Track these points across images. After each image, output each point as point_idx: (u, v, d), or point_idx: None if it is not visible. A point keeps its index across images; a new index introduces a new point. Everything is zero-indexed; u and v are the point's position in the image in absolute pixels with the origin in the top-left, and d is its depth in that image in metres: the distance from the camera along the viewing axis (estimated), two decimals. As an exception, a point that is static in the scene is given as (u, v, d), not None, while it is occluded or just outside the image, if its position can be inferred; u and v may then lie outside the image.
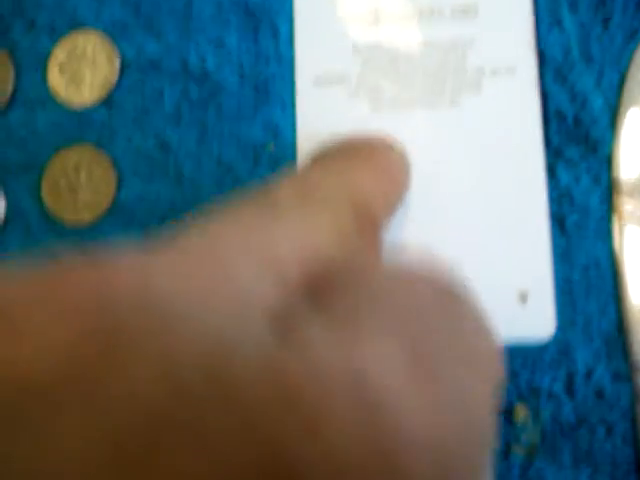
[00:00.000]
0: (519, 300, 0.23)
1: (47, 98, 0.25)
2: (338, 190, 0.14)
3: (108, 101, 0.25)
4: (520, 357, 0.23)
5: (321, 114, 0.25)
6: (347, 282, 0.10)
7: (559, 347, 0.23)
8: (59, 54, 0.25)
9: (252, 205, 0.12)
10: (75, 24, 0.25)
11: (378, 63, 0.25)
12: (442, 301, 0.10)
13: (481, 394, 0.09)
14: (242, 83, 0.25)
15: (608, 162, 0.24)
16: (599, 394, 0.23)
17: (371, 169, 0.17)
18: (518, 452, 0.23)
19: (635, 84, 0.25)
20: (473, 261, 0.24)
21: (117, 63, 0.25)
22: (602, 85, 0.25)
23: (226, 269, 0.09)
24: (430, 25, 0.25)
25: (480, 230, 0.24)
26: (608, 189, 0.24)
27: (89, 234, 0.24)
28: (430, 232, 0.24)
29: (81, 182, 0.24)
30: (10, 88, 0.25)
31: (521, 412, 0.23)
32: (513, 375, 0.23)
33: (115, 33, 0.25)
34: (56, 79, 0.25)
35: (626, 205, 0.24)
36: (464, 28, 0.25)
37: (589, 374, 0.23)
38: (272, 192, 0.13)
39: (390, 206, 0.18)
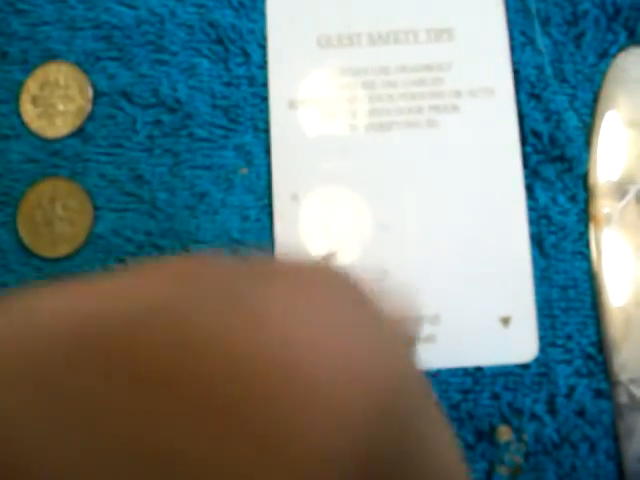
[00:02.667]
0: (501, 324, 0.23)
1: (20, 130, 0.25)
2: None
3: (81, 132, 0.25)
4: (502, 379, 0.23)
5: (296, 136, 0.25)
6: None
7: (540, 368, 0.23)
8: (31, 86, 0.25)
9: None
10: (47, 56, 0.25)
11: (354, 85, 0.25)
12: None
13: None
14: (214, 110, 0.25)
15: (584, 181, 0.24)
16: (581, 412, 0.23)
17: None
18: (502, 473, 0.23)
19: (608, 102, 0.25)
20: (455, 287, 0.24)
21: (90, 94, 0.25)
22: (576, 104, 0.25)
23: None
24: (406, 48, 0.25)
25: (461, 254, 0.24)
26: (584, 208, 0.24)
27: (66, 266, 0.24)
28: (410, 257, 0.24)
29: (57, 214, 0.24)
30: (-18, 121, 0.25)
31: (504, 433, 0.23)
32: (495, 397, 0.23)
33: (87, 64, 0.25)
34: (29, 111, 0.25)
35: (610, 250, 0.24)
36: (440, 50, 0.25)
37: (570, 393, 0.23)
38: None
39: None
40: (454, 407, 0.23)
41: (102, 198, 0.24)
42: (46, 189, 0.24)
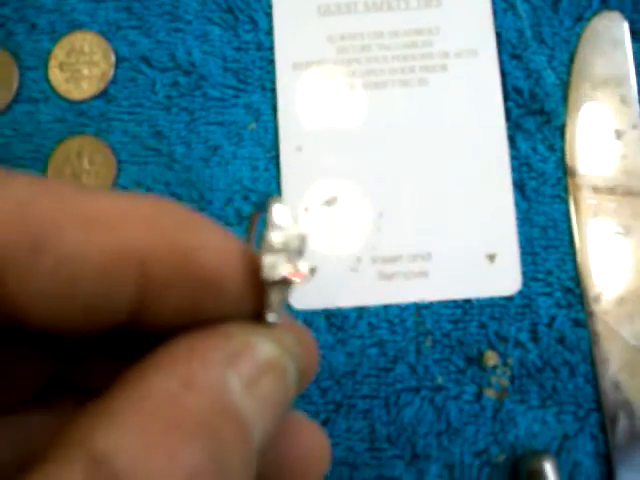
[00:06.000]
0: (488, 261, 0.26)
1: (49, 94, 0.27)
2: None
3: (105, 94, 0.27)
4: (489, 310, 0.26)
5: (300, 95, 0.27)
6: None
7: (523, 300, 0.26)
8: (59, 53, 0.28)
9: None
10: (73, 26, 0.28)
11: (352, 49, 0.27)
12: None
13: None
14: (225, 72, 0.27)
15: (561, 131, 0.27)
16: (561, 340, 0.26)
17: None
18: (489, 395, 0.25)
19: (583, 62, 0.27)
20: (445, 227, 0.26)
21: (112, 59, 0.27)
22: (553, 63, 0.27)
23: None
24: (398, 14, 0.28)
25: (451, 198, 0.26)
26: (562, 156, 0.27)
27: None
28: (404, 201, 0.26)
29: (84, 168, 0.27)
30: (15, 86, 0.27)
31: (491, 358, 0.26)
32: (483, 326, 0.26)
33: (110, 32, 0.28)
34: (57, 76, 0.27)
35: (585, 193, 0.27)
36: (429, 16, 0.27)
37: (551, 322, 0.26)
38: None
39: None
40: (445, 335, 0.26)
41: (125, 153, 0.27)
42: (74, 146, 0.27)
